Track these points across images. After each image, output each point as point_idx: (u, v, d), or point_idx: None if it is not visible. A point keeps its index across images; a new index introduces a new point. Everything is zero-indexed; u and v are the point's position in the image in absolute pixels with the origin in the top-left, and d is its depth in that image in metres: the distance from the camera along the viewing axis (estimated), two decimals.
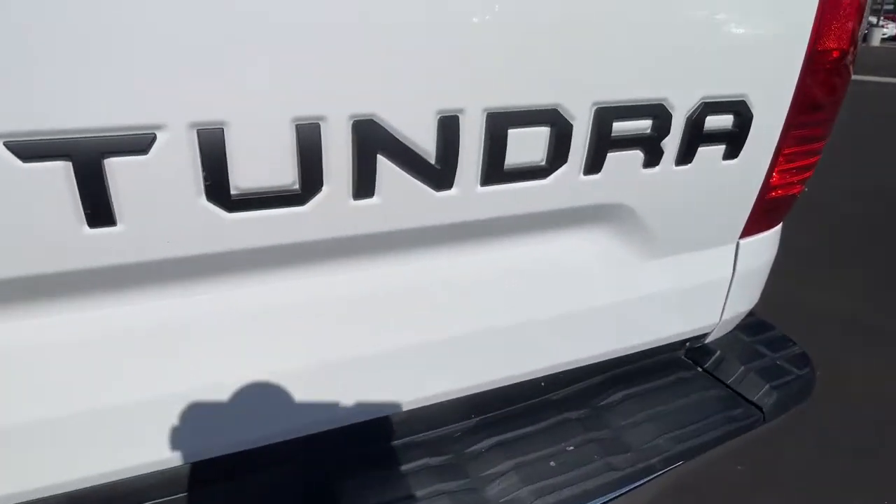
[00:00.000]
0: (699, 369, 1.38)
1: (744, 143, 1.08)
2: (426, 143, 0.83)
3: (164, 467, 0.90)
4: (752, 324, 1.48)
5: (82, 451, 0.83)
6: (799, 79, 1.09)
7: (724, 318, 1.31)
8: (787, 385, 1.38)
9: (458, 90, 0.82)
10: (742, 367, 1.37)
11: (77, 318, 0.81)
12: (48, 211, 0.69)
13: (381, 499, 1.04)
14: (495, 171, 0.89)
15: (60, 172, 0.67)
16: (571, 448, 1.18)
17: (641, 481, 1.21)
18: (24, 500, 0.84)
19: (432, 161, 0.85)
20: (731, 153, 1.08)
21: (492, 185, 0.91)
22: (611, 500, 1.17)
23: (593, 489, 1.14)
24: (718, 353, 1.39)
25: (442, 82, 0.81)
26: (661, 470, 1.22)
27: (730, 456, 1.52)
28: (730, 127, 1.05)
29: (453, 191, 0.89)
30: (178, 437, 0.87)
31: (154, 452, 0.87)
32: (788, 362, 1.41)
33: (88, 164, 0.67)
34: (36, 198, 0.67)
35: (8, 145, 0.64)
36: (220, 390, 0.90)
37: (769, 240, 1.32)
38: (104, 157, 0.68)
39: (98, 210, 0.70)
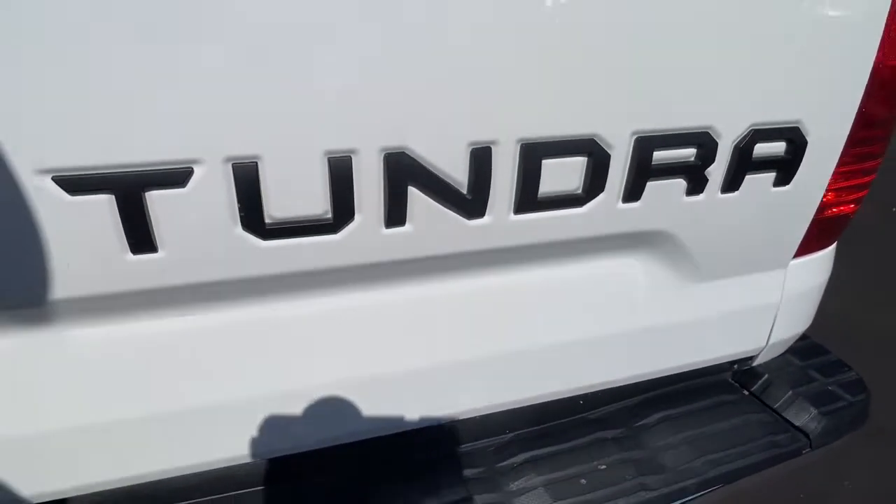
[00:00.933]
0: (745, 393, 1.34)
1: (797, 169, 1.03)
2: (458, 174, 0.84)
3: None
4: (805, 347, 1.43)
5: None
6: (861, 101, 1.03)
7: (771, 341, 1.27)
8: (837, 412, 1.33)
9: (491, 122, 0.82)
10: (790, 392, 1.33)
11: (124, 332, 0.86)
12: (94, 239, 0.73)
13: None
14: (529, 199, 0.89)
15: (104, 205, 0.71)
16: (604, 467, 1.18)
17: (675, 503, 1.20)
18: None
19: (464, 191, 0.85)
20: (783, 180, 1.04)
21: (525, 214, 0.90)
22: None
23: None
24: (766, 376, 1.35)
25: (474, 114, 0.81)
26: (696, 493, 1.20)
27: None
28: (782, 154, 1.01)
29: (486, 219, 0.89)
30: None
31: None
32: (841, 388, 1.36)
33: (130, 196, 0.71)
34: (83, 228, 0.72)
35: (56, 180, 0.68)
36: (268, 401, 0.95)
37: (821, 261, 1.26)
38: (145, 191, 0.71)
39: (140, 238, 0.74)
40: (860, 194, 1.18)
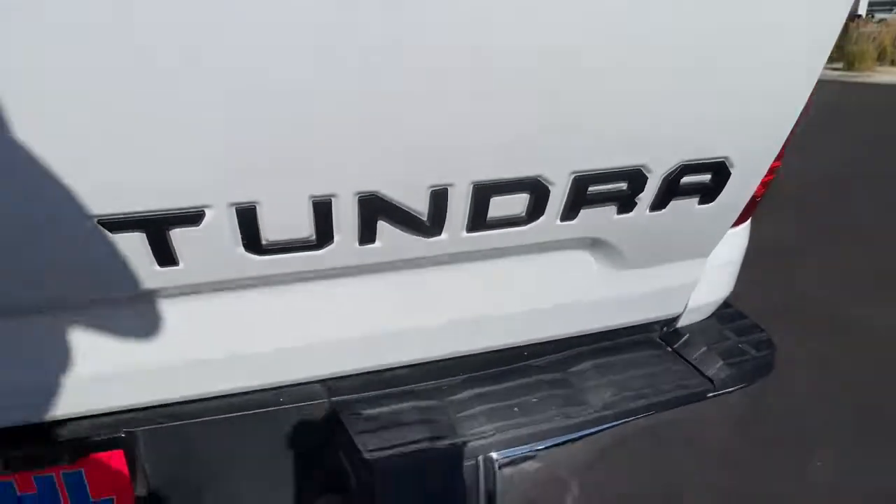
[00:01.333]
0: (669, 349, 1.59)
1: (720, 193, 1.20)
2: (420, 208, 1.02)
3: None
4: (729, 314, 1.66)
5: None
6: (791, 131, 1.18)
7: (687, 308, 1.51)
8: (741, 363, 1.58)
9: (449, 170, 1.00)
10: (704, 348, 1.58)
11: (153, 311, 1.11)
12: (130, 258, 0.95)
13: (375, 424, 1.37)
14: (479, 222, 1.08)
15: (138, 238, 0.92)
16: (535, 400, 1.46)
17: (591, 430, 1.49)
18: None
19: (424, 219, 1.04)
20: (707, 201, 1.21)
21: (476, 232, 1.10)
22: (563, 442, 1.47)
23: (546, 430, 1.42)
24: (688, 335, 1.59)
25: (436, 165, 0.98)
26: (610, 422, 1.49)
27: None
28: (707, 182, 1.18)
29: (442, 236, 1.09)
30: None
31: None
32: (750, 345, 1.61)
33: (157, 233, 0.92)
34: (122, 251, 0.93)
35: (100, 222, 0.89)
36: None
37: (734, 238, 1.45)
38: (168, 229, 0.92)
39: (165, 257, 0.96)
40: (770, 178, 1.33)
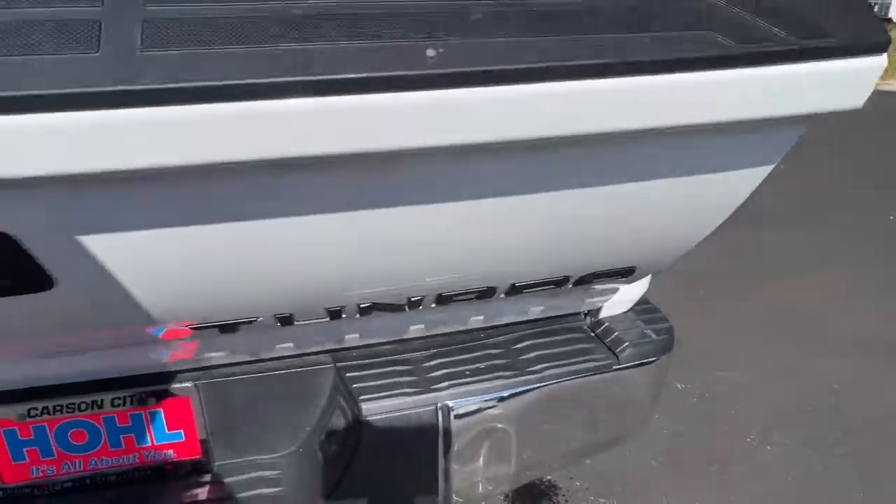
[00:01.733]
0: (592, 334, 2.11)
1: (628, 276, 1.64)
2: (402, 304, 1.48)
3: None
4: (645, 309, 2.15)
5: None
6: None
7: (606, 306, 2.01)
8: (641, 344, 2.11)
9: (422, 290, 1.44)
10: (617, 333, 2.10)
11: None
12: (205, 336, 1.43)
13: (365, 382, 1.94)
14: (444, 302, 1.55)
15: (215, 331, 1.40)
16: (482, 366, 2.02)
17: (520, 388, 2.06)
18: None
19: (405, 307, 1.51)
20: (618, 280, 1.65)
21: (441, 305, 1.57)
22: (498, 397, 2.06)
23: (486, 387, 2.01)
24: (607, 324, 2.10)
25: (413, 291, 1.43)
26: (534, 384, 2.07)
27: None
28: (617, 277, 1.61)
29: (420, 307, 1.56)
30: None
31: None
32: (653, 332, 2.13)
33: (227, 329, 1.40)
34: (199, 336, 1.42)
35: (191, 327, 1.36)
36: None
37: None
38: (235, 326, 1.40)
39: (232, 332, 1.44)
40: None
